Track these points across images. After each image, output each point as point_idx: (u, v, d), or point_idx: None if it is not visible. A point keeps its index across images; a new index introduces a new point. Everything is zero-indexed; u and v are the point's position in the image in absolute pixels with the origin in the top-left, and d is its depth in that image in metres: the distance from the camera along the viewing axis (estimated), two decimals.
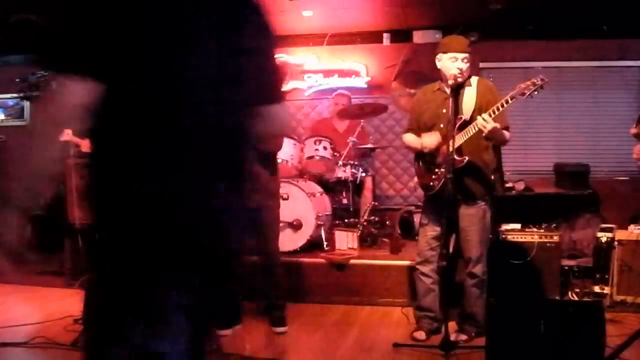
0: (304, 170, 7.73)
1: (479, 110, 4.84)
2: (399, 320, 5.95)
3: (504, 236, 6.22)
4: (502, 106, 4.62)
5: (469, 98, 4.98)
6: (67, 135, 6.01)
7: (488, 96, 4.93)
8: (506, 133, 4.97)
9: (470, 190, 5.01)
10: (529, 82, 4.52)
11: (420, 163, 5.26)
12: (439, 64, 5.09)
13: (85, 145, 5.91)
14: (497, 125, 4.66)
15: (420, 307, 5.38)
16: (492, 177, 5.12)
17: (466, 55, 4.96)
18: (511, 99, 4.59)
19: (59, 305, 6.41)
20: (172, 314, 2.09)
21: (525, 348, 4.30)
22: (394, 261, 6.70)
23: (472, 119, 4.80)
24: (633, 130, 6.07)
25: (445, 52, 5.02)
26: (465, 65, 4.95)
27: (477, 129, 4.69)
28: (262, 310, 5.89)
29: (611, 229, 6.21)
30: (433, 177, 5.08)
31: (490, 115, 4.63)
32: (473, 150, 4.91)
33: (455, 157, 4.76)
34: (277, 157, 6.92)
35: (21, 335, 5.35)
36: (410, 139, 5.32)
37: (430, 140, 5.05)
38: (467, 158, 4.82)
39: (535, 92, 4.52)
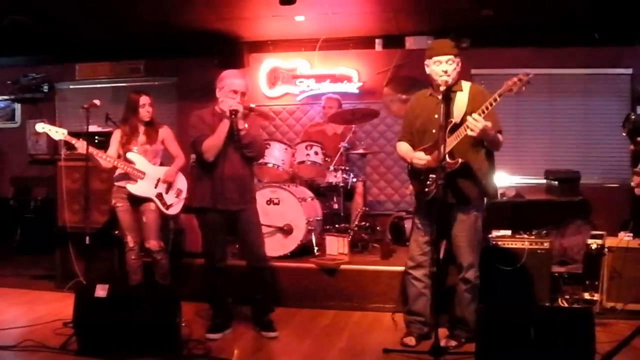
0: (295, 175, 7.72)
1: (470, 114, 4.74)
2: (389, 326, 5.94)
3: (494, 242, 6.23)
4: (491, 105, 4.56)
5: (461, 102, 4.96)
6: (63, 135, 5.99)
7: (479, 100, 4.84)
8: (499, 136, 4.94)
9: (463, 194, 4.99)
10: (515, 79, 4.46)
11: (414, 170, 5.23)
12: (427, 70, 5.09)
13: (82, 146, 5.89)
14: (488, 124, 4.63)
15: (411, 312, 5.37)
16: (484, 182, 5.09)
17: (450, 56, 4.95)
18: (499, 97, 4.53)
19: (49, 309, 6.40)
20: None
21: (514, 354, 4.31)
22: (385, 267, 6.70)
23: (463, 122, 4.74)
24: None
25: (430, 57, 5.03)
26: (450, 67, 4.94)
27: (468, 130, 4.67)
28: (251, 315, 5.87)
29: (601, 236, 6.23)
30: (428, 182, 5.05)
31: (480, 115, 4.61)
32: (464, 154, 4.88)
33: (448, 159, 4.76)
34: (267, 162, 6.97)
35: (10, 338, 5.33)
36: (403, 149, 5.30)
37: (421, 158, 5.02)
38: (460, 160, 4.80)
39: (523, 88, 4.47)
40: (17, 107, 10.91)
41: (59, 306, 6.40)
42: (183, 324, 5.16)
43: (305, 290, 6.69)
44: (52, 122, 10.08)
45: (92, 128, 6.95)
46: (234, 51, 9.47)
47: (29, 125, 10.58)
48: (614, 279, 6.04)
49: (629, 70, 8.88)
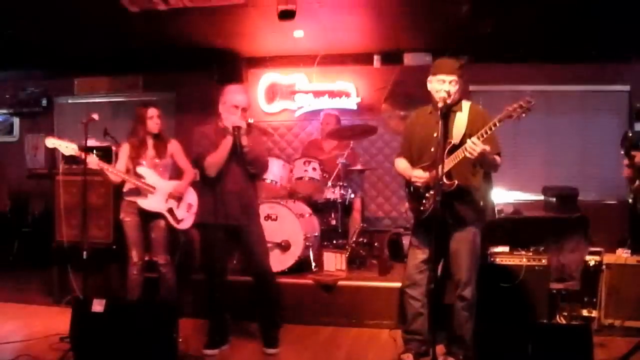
0: (292, 191, 7.73)
1: (469, 135, 4.77)
2: (386, 343, 5.94)
3: (492, 259, 6.23)
4: (490, 129, 4.56)
5: (460, 123, 4.96)
6: (73, 150, 5.97)
7: (479, 122, 4.86)
8: (497, 158, 4.94)
9: (459, 214, 4.99)
10: (515, 105, 4.45)
11: (412, 188, 5.22)
12: (429, 87, 5.08)
13: (93, 161, 5.89)
14: (487, 148, 4.62)
15: (409, 331, 5.34)
16: (482, 202, 5.09)
17: (454, 77, 4.95)
18: (499, 122, 4.53)
19: (45, 323, 6.38)
20: None
21: None
22: (382, 283, 6.70)
23: (462, 143, 4.74)
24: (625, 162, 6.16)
25: (434, 74, 5.02)
26: (453, 88, 4.93)
27: (466, 152, 4.67)
28: (257, 330, 5.86)
29: (599, 253, 6.23)
30: (424, 201, 5.05)
31: (478, 139, 4.61)
32: (462, 175, 4.88)
33: (445, 181, 4.74)
34: (265, 178, 6.97)
35: (6, 353, 5.32)
36: (402, 166, 5.32)
37: (420, 177, 5.04)
38: (456, 182, 4.79)
39: (523, 115, 4.48)
40: (16, 121, 10.91)
41: (55, 321, 6.37)
42: (180, 340, 5.14)
43: (303, 306, 6.68)
44: (51, 137, 10.12)
45: (90, 142, 6.94)
46: (232, 66, 9.48)
47: (27, 139, 10.59)
48: (612, 295, 6.04)
49: (627, 87, 8.90)
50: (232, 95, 5.50)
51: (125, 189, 6.21)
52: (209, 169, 5.39)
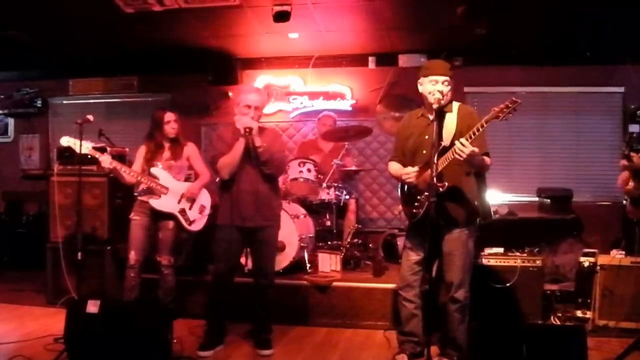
0: (287, 192, 7.72)
1: (459, 135, 4.74)
2: (381, 344, 5.93)
3: (486, 260, 6.23)
4: (478, 130, 4.55)
5: (450, 124, 4.96)
6: (87, 149, 5.96)
7: (468, 121, 4.86)
8: (486, 159, 4.94)
9: (452, 216, 4.98)
10: (502, 106, 4.43)
11: (405, 190, 5.23)
12: (420, 88, 5.08)
13: (106, 161, 5.88)
14: (476, 149, 4.62)
15: (404, 332, 5.34)
16: (475, 203, 5.09)
17: (447, 78, 4.95)
18: (486, 123, 4.51)
19: (40, 324, 6.37)
20: None
21: None
22: (377, 284, 6.69)
23: (453, 144, 4.72)
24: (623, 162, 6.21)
25: (426, 76, 5.02)
26: (446, 88, 4.93)
27: (455, 154, 4.65)
28: (249, 331, 5.87)
29: (593, 254, 6.24)
30: (416, 204, 5.03)
31: (467, 140, 4.60)
32: (454, 176, 4.86)
33: (436, 183, 4.74)
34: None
35: (0, 354, 5.30)
36: (394, 168, 5.32)
37: (409, 173, 5.04)
38: (447, 184, 4.77)
39: (510, 115, 4.46)
40: (10, 121, 10.88)
41: (50, 322, 6.37)
42: (174, 341, 5.14)
43: (298, 308, 6.67)
44: (45, 137, 10.12)
45: (85, 143, 6.94)
46: (227, 68, 9.47)
47: (21, 140, 10.57)
48: (606, 296, 6.04)
49: (621, 89, 8.90)
50: (244, 95, 5.52)
51: (138, 189, 6.24)
52: (222, 171, 5.44)
